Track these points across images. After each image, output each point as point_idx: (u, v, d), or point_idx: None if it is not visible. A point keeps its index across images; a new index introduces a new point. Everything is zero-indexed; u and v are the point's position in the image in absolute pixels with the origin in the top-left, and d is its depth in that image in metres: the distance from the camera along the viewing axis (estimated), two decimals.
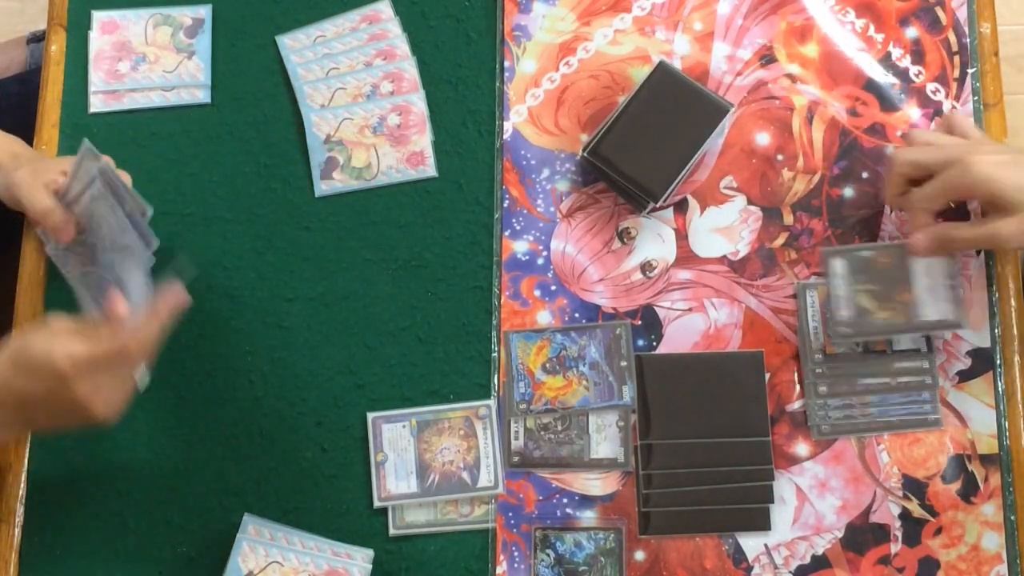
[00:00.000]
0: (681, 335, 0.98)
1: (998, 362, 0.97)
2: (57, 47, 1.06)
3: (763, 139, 1.02)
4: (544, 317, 0.99)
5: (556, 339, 0.98)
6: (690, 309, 0.99)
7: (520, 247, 1.01)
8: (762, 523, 0.95)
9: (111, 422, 0.85)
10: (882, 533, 0.94)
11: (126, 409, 0.86)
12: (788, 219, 1.01)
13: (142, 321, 0.85)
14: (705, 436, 0.96)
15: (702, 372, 0.97)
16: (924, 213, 0.92)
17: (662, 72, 1.00)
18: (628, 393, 0.97)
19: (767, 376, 0.97)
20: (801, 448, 0.96)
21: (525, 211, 1.02)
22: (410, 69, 1.05)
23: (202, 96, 1.04)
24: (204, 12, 1.07)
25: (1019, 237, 0.87)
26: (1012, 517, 0.95)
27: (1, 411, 0.84)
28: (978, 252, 0.99)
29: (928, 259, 0.95)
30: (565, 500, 0.96)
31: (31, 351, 0.82)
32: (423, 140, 1.03)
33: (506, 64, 1.05)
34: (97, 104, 1.04)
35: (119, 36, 1.06)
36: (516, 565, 0.95)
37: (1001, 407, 0.96)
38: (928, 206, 0.91)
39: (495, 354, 0.99)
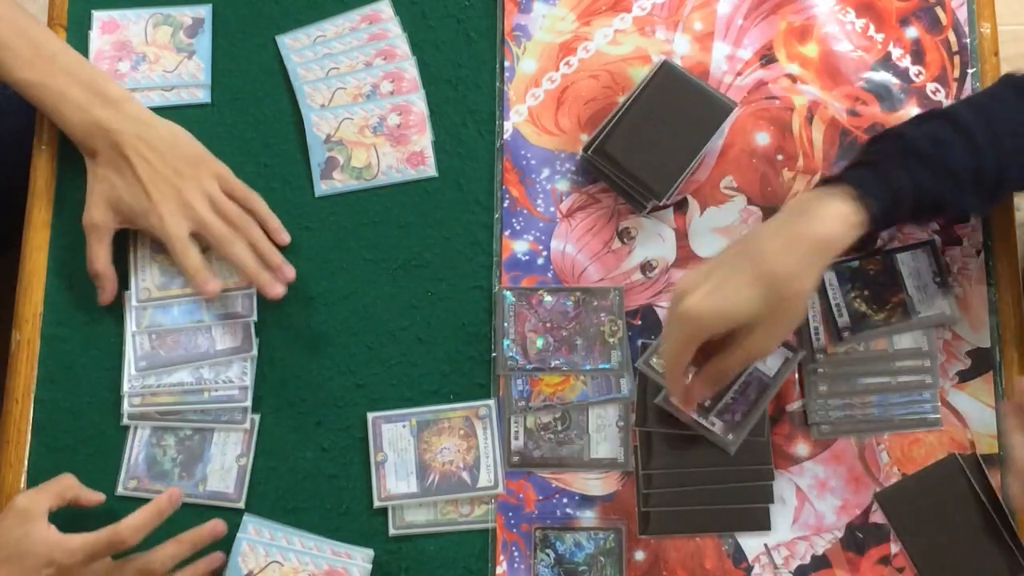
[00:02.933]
0: None
1: (998, 362, 0.97)
2: None
3: (763, 139, 1.02)
4: None
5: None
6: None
7: (520, 247, 1.01)
8: (762, 523, 0.95)
9: None
10: (882, 533, 0.94)
11: None
12: None
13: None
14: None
15: None
16: (678, 369, 0.87)
17: (666, 71, 1.00)
18: (626, 386, 0.97)
19: None
20: (801, 448, 0.96)
21: (525, 211, 1.02)
22: (410, 69, 1.05)
23: (202, 96, 1.04)
24: (204, 12, 1.06)
25: (769, 344, 0.85)
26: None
27: None
28: (978, 252, 0.99)
29: (913, 260, 0.97)
30: (565, 500, 0.96)
31: (26, 547, 0.86)
32: (423, 140, 1.03)
33: (506, 64, 1.05)
34: None
35: (119, 36, 1.06)
36: (516, 565, 0.95)
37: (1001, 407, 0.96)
38: (680, 361, 0.86)
39: (495, 354, 0.99)
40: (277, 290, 0.97)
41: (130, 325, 0.98)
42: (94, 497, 0.94)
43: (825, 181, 0.89)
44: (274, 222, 1.00)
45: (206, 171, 0.97)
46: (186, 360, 0.97)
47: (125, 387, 0.97)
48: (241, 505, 0.96)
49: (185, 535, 0.91)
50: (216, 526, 0.93)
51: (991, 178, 0.87)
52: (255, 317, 0.99)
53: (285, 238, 1.00)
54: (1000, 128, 0.87)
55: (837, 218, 0.84)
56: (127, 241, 1.00)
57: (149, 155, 0.95)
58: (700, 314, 0.83)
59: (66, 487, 0.92)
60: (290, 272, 0.98)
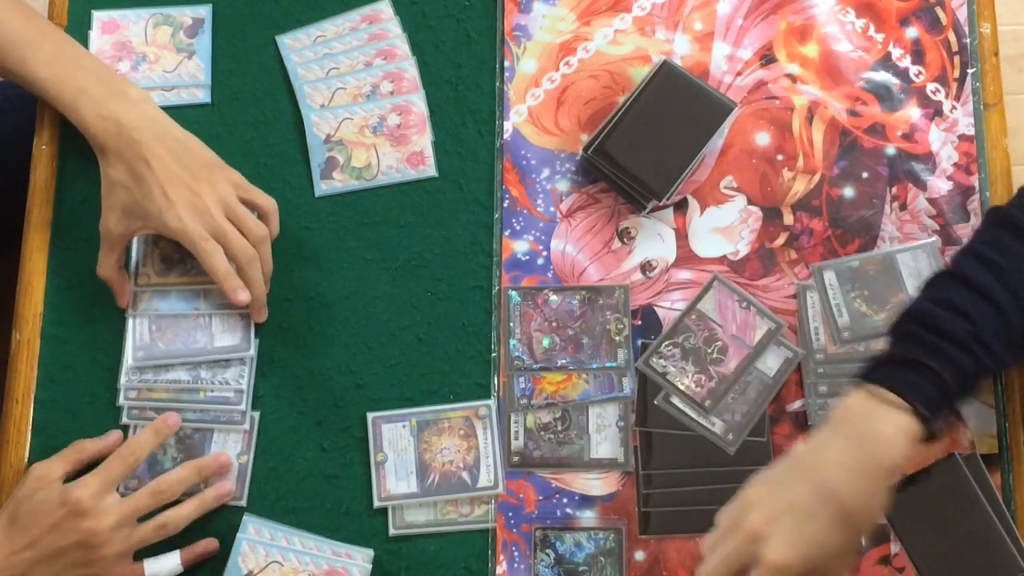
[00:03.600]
0: None
1: None
2: None
3: (763, 139, 1.02)
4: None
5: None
6: None
7: (520, 247, 1.01)
8: None
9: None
10: (882, 533, 0.94)
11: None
12: (788, 219, 1.01)
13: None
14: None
15: None
16: None
17: (666, 71, 1.00)
18: (628, 385, 0.97)
19: None
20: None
21: (525, 211, 1.02)
22: (410, 69, 1.05)
23: (202, 96, 1.04)
24: (204, 12, 1.06)
25: (843, 571, 0.84)
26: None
27: None
28: None
29: (914, 260, 0.97)
30: (565, 500, 0.96)
31: (42, 497, 0.89)
32: (423, 140, 1.03)
33: (506, 64, 1.05)
34: None
35: (119, 36, 1.06)
36: (516, 565, 0.95)
37: (1001, 407, 0.96)
38: None
39: (495, 354, 0.99)
40: (264, 315, 0.98)
41: (128, 308, 0.98)
42: (109, 442, 0.94)
43: (866, 375, 0.85)
44: (275, 230, 0.98)
45: (222, 176, 0.95)
46: (184, 355, 0.97)
47: (122, 380, 0.97)
48: (243, 503, 0.96)
49: (191, 462, 0.94)
50: (220, 457, 0.95)
51: (1019, 331, 0.85)
52: None
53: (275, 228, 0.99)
54: (1012, 278, 0.85)
55: (902, 438, 0.81)
56: None
57: (166, 156, 0.93)
58: (792, 565, 0.79)
59: (79, 450, 0.93)
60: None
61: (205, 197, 0.93)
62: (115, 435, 0.95)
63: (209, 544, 0.94)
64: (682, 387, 0.95)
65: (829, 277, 0.98)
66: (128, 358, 0.97)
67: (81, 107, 0.95)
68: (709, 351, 0.93)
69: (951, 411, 0.85)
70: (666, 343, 0.96)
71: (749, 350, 0.91)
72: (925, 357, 0.83)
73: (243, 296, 0.94)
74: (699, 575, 0.82)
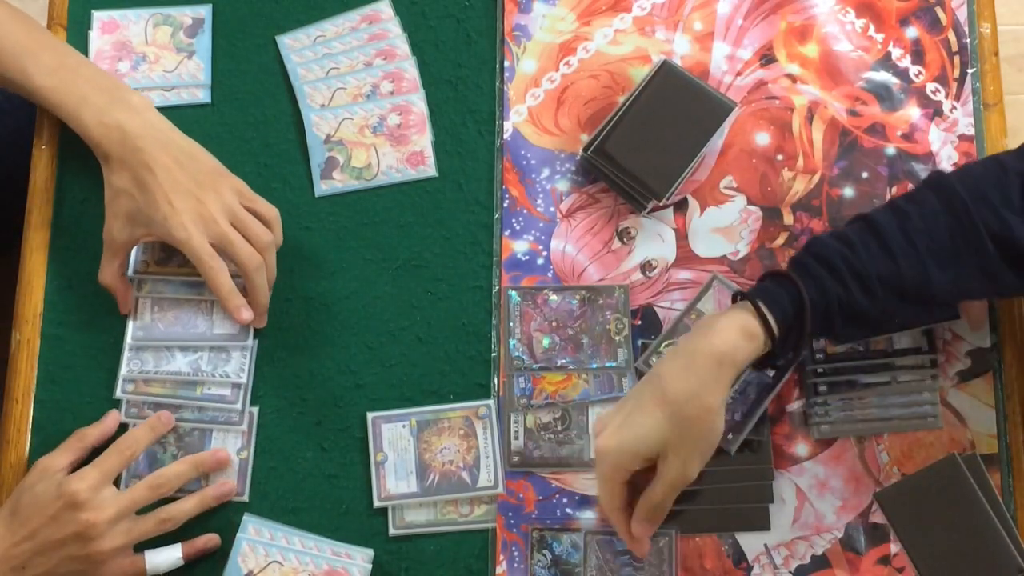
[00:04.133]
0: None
1: (998, 362, 0.97)
2: None
3: (763, 139, 1.02)
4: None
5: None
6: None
7: (520, 247, 1.01)
8: (762, 523, 0.95)
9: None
10: (882, 533, 0.94)
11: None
12: (788, 219, 1.01)
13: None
14: None
15: None
16: (613, 511, 0.88)
17: (666, 71, 1.00)
18: (628, 385, 0.97)
19: None
20: (801, 448, 0.96)
21: (525, 211, 1.02)
22: (410, 69, 1.05)
23: (202, 96, 1.04)
24: (204, 12, 1.07)
25: (687, 468, 0.84)
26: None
27: None
28: None
29: None
30: (565, 500, 0.96)
31: (42, 489, 0.90)
32: (423, 140, 1.03)
33: (506, 64, 1.05)
34: None
35: (119, 36, 1.06)
36: (516, 565, 0.95)
37: (1001, 407, 0.96)
38: (611, 502, 0.87)
39: (495, 354, 0.99)
40: (264, 322, 0.98)
41: (132, 290, 0.99)
42: (107, 425, 0.95)
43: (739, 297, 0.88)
44: (279, 238, 0.98)
45: (226, 185, 0.95)
46: (183, 339, 0.97)
47: (123, 370, 0.97)
48: (245, 499, 0.96)
49: (188, 457, 0.95)
50: (218, 453, 0.96)
51: (913, 284, 0.84)
52: None
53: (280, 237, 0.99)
54: (915, 229, 0.84)
55: (734, 330, 0.83)
56: None
57: (170, 164, 0.93)
58: (610, 449, 0.84)
59: (80, 438, 0.94)
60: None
61: (210, 205, 0.93)
62: (112, 416, 0.96)
63: (210, 540, 0.94)
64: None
65: None
66: (128, 336, 0.98)
67: (84, 115, 0.95)
68: None
69: (799, 330, 0.85)
70: (666, 343, 0.96)
71: (748, 403, 0.92)
72: (793, 273, 0.85)
73: (246, 315, 0.95)
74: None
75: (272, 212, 0.98)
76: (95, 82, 0.96)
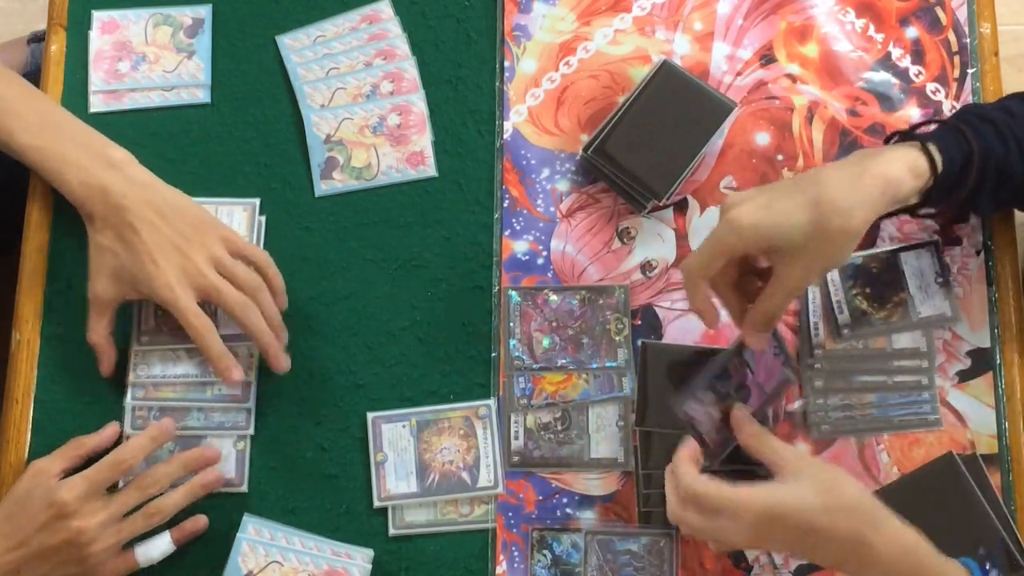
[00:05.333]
0: (681, 335, 0.98)
1: (998, 362, 0.97)
2: (57, 47, 1.06)
3: (763, 139, 1.02)
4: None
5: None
6: (690, 309, 0.99)
7: (520, 247, 1.01)
8: None
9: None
10: None
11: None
12: None
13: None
14: None
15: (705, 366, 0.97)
16: (701, 281, 0.86)
17: (666, 71, 1.00)
18: (628, 385, 0.97)
19: None
20: (801, 448, 0.96)
21: (525, 211, 1.02)
22: (410, 69, 1.05)
23: (202, 96, 1.04)
24: (204, 12, 1.07)
25: (807, 277, 0.83)
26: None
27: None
28: (978, 252, 0.99)
29: (917, 259, 0.97)
30: (565, 500, 0.96)
31: (31, 496, 0.90)
32: (423, 140, 1.03)
33: (506, 64, 1.05)
34: (97, 104, 1.04)
35: (119, 36, 1.06)
36: (516, 565, 0.95)
37: (1001, 407, 0.96)
38: (707, 266, 0.85)
39: (495, 354, 0.99)
40: (285, 363, 0.96)
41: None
42: (106, 435, 0.95)
43: (896, 138, 0.90)
44: (278, 282, 0.97)
45: (212, 235, 0.95)
46: (189, 342, 0.96)
47: (131, 377, 0.97)
48: (244, 489, 0.96)
49: (177, 456, 0.94)
50: (207, 451, 0.95)
51: None
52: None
53: (284, 301, 0.98)
54: None
55: (904, 162, 0.84)
56: None
57: (155, 219, 0.93)
58: (745, 224, 0.81)
59: (77, 446, 0.93)
60: (285, 335, 0.97)
61: (195, 258, 0.93)
62: (112, 428, 0.96)
63: (198, 521, 0.94)
64: (704, 435, 0.91)
65: (831, 274, 0.98)
66: (134, 343, 0.98)
67: (66, 176, 0.94)
68: (736, 397, 0.91)
69: (962, 182, 0.86)
70: (705, 388, 0.92)
71: (764, 397, 0.90)
72: (956, 123, 0.87)
73: (236, 375, 0.94)
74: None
75: (263, 257, 0.97)
76: (78, 140, 0.96)
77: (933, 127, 0.90)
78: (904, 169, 0.84)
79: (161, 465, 0.93)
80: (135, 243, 0.92)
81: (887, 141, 0.92)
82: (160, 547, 0.93)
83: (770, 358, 0.90)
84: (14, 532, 0.88)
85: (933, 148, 0.85)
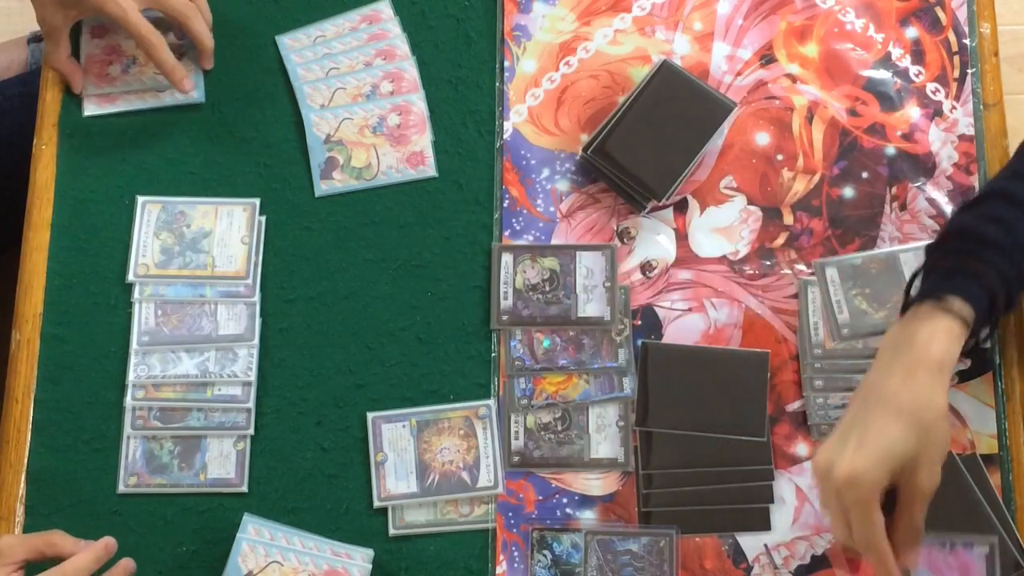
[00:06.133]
0: (681, 335, 0.98)
1: (998, 362, 0.97)
2: None
3: (763, 139, 1.02)
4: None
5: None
6: (690, 309, 0.99)
7: None
8: (762, 523, 0.95)
9: None
10: None
11: None
12: (788, 219, 1.01)
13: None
14: (703, 430, 0.96)
15: (706, 366, 0.97)
16: (884, 543, 0.81)
17: (666, 71, 1.00)
18: (629, 385, 0.97)
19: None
20: (801, 448, 0.96)
21: (525, 211, 1.02)
22: (410, 69, 1.05)
23: (196, 96, 1.04)
24: None
25: (935, 474, 0.82)
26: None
27: None
28: None
29: (917, 260, 0.97)
30: (565, 500, 0.96)
31: None
32: (423, 140, 1.03)
33: (506, 64, 1.05)
34: (91, 107, 1.04)
35: (109, 40, 1.06)
36: (516, 565, 0.95)
37: (1001, 407, 0.96)
38: (879, 533, 0.81)
39: (495, 354, 0.99)
40: (208, 64, 1.04)
41: (134, 294, 0.99)
42: (95, 551, 0.88)
43: (908, 303, 0.87)
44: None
45: None
46: (189, 341, 0.97)
47: (131, 377, 0.97)
48: (244, 489, 0.96)
49: (88, 549, 0.88)
50: (110, 543, 0.89)
51: None
52: (258, 298, 0.99)
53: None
54: None
55: (942, 336, 0.82)
56: (131, 217, 1.00)
57: None
58: (860, 472, 0.79)
59: (49, 544, 0.88)
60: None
61: None
62: (103, 544, 0.89)
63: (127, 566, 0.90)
64: None
65: (831, 273, 0.98)
66: (134, 342, 0.98)
67: None
68: None
69: (993, 317, 0.85)
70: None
71: None
72: (962, 262, 0.85)
73: (189, 85, 1.01)
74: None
75: None
76: None
77: (936, 276, 0.86)
78: (945, 341, 0.82)
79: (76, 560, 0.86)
80: None
81: (908, 287, 0.88)
82: None
83: (946, 555, 0.89)
84: None
85: (961, 305, 0.83)
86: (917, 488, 0.81)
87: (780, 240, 1.00)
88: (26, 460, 0.97)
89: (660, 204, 1.01)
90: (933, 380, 0.82)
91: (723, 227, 1.01)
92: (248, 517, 0.95)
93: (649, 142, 0.98)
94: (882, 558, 0.81)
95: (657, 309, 0.99)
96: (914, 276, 0.88)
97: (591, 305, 0.98)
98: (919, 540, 0.84)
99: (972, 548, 0.89)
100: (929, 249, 0.89)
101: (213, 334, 0.98)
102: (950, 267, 0.85)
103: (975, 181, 1.01)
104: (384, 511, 0.96)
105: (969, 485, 0.92)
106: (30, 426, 0.98)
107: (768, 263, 1.00)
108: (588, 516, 0.96)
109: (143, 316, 0.98)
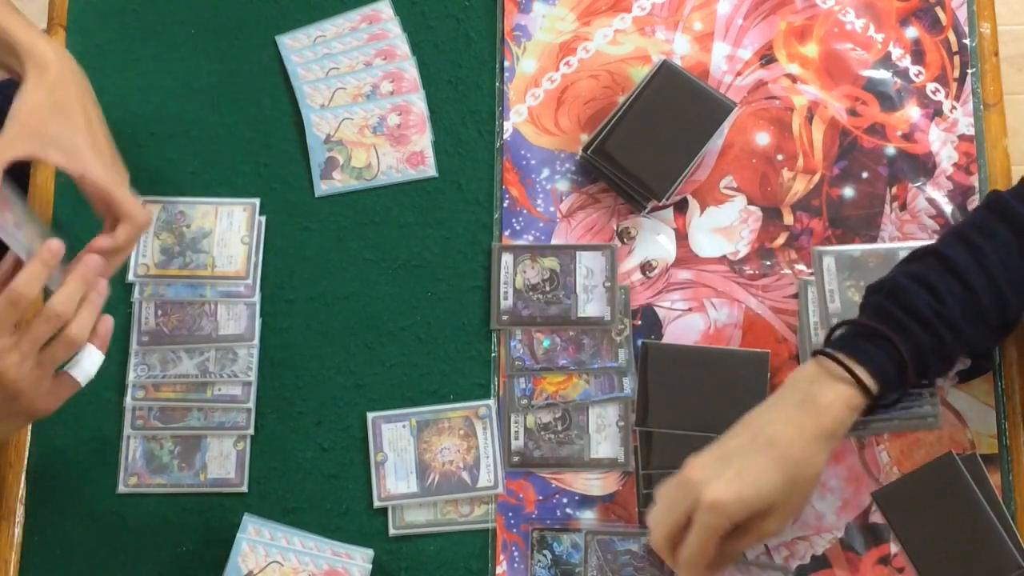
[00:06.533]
0: (681, 335, 0.98)
1: (998, 362, 0.97)
2: None
3: (763, 139, 1.02)
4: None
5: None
6: (690, 309, 0.99)
7: None
8: None
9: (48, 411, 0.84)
10: (882, 533, 0.94)
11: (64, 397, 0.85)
12: (788, 219, 1.01)
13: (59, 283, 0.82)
14: (703, 430, 0.96)
15: (706, 366, 0.97)
16: (702, 565, 0.83)
17: (666, 71, 1.00)
18: (629, 385, 0.97)
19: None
20: None
21: (525, 211, 1.02)
22: (410, 69, 1.05)
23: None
24: None
25: (782, 526, 0.84)
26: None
27: None
28: None
29: None
30: (565, 500, 0.96)
31: None
32: (423, 140, 1.03)
33: (506, 64, 1.05)
34: None
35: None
36: (516, 565, 0.95)
37: (1001, 407, 0.96)
38: (706, 555, 0.82)
39: (495, 354, 0.99)
40: None
41: (134, 294, 0.99)
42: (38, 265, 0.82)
43: (825, 346, 0.86)
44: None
45: None
46: (189, 341, 0.97)
47: (131, 377, 0.97)
48: (244, 489, 0.96)
49: (70, 274, 0.83)
50: (91, 257, 0.85)
51: (995, 316, 0.86)
52: (258, 298, 0.99)
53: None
54: (992, 264, 0.85)
55: (840, 407, 0.83)
56: None
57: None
58: (730, 501, 0.81)
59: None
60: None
61: None
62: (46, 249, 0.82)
63: (106, 322, 0.86)
64: None
65: (828, 262, 0.97)
66: (134, 342, 0.98)
67: None
68: None
69: (899, 385, 0.86)
70: None
71: None
72: (887, 330, 0.84)
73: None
74: (649, 525, 0.85)
75: None
76: None
77: (853, 336, 0.86)
78: (843, 411, 0.84)
79: (61, 290, 0.83)
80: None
81: (824, 345, 0.87)
82: (93, 360, 0.86)
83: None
84: None
85: (864, 375, 0.83)
86: (762, 531, 0.84)
87: (780, 240, 1.00)
88: (26, 460, 0.97)
89: (660, 204, 1.01)
90: (822, 446, 0.84)
91: (723, 227, 1.01)
92: (248, 517, 0.95)
93: (649, 142, 0.98)
94: (688, 573, 0.84)
95: (657, 309, 0.99)
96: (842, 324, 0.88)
97: (591, 305, 0.98)
98: (729, 565, 0.88)
99: (765, 573, 0.92)
100: (867, 290, 0.89)
101: (213, 334, 0.98)
102: (869, 330, 0.85)
103: (975, 181, 1.01)
104: (384, 511, 0.96)
105: (969, 485, 0.92)
106: (30, 426, 0.98)
107: (768, 263, 1.00)
108: (588, 516, 0.96)
109: (143, 316, 0.99)
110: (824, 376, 0.85)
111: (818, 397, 0.84)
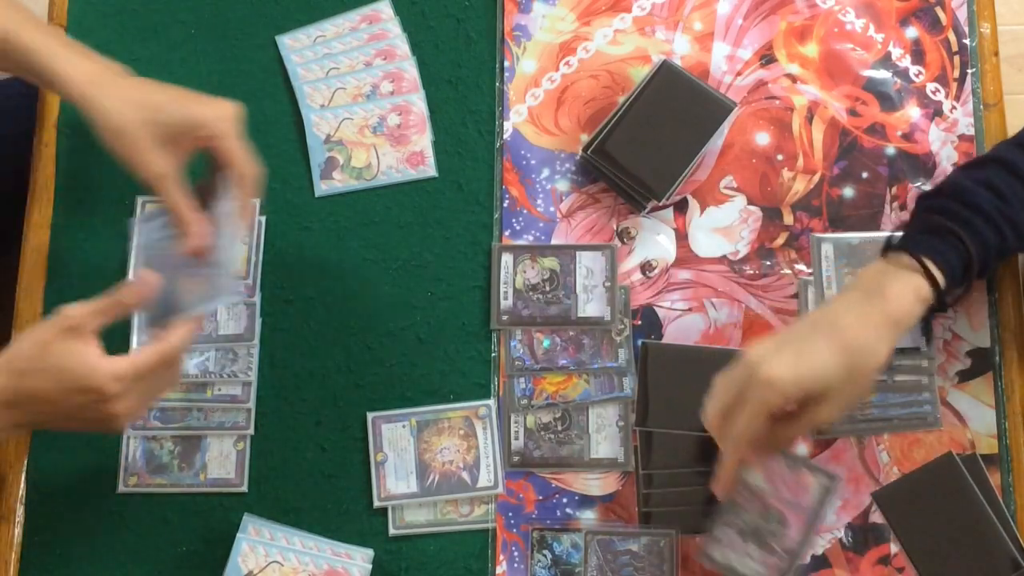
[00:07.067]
0: (681, 335, 0.98)
1: (998, 362, 0.97)
2: None
3: (763, 139, 1.02)
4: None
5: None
6: (690, 309, 0.99)
7: None
8: None
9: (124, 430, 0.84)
10: (882, 533, 0.94)
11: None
12: (788, 219, 1.01)
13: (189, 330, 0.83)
14: (703, 430, 0.95)
15: (706, 366, 0.97)
16: (747, 439, 0.83)
17: (666, 71, 1.00)
18: (629, 385, 0.97)
19: None
20: (801, 448, 0.96)
21: (525, 211, 1.02)
22: (410, 69, 1.05)
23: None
24: None
25: (835, 415, 0.84)
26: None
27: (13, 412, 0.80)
28: None
29: None
30: (565, 500, 0.96)
31: (69, 367, 0.78)
32: (423, 140, 1.03)
33: (506, 64, 1.05)
34: None
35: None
36: (516, 565, 0.95)
37: (1001, 407, 0.96)
38: (754, 430, 0.82)
39: (495, 354, 0.99)
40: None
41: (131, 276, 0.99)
42: (140, 291, 0.84)
43: (889, 247, 0.88)
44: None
45: None
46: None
47: None
48: (244, 489, 0.96)
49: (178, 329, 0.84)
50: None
51: None
52: (259, 298, 0.99)
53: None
54: None
55: (909, 296, 0.84)
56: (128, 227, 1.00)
57: None
58: (786, 380, 0.81)
59: (115, 304, 0.82)
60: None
61: None
62: (149, 284, 0.84)
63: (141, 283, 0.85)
64: (750, 574, 0.89)
65: (826, 249, 0.97)
66: (134, 342, 0.98)
67: None
68: (768, 525, 0.89)
69: (965, 283, 0.87)
70: (720, 525, 0.90)
71: (808, 514, 0.89)
72: (955, 226, 0.86)
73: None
74: (705, 404, 0.85)
75: None
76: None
77: (921, 232, 0.87)
78: (911, 301, 0.84)
79: (179, 338, 0.83)
80: None
81: (886, 248, 0.89)
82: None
83: (786, 472, 0.89)
84: (35, 400, 0.80)
85: (932, 267, 0.85)
86: (815, 417, 0.84)
87: (780, 240, 1.00)
88: (26, 460, 0.97)
89: (660, 204, 1.01)
90: (886, 332, 0.83)
91: (723, 227, 1.01)
92: (248, 517, 0.95)
93: (649, 142, 0.98)
94: (734, 454, 0.85)
95: (657, 309, 0.99)
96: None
97: (591, 305, 0.98)
98: (777, 451, 0.87)
99: (814, 474, 0.89)
100: (921, 197, 0.91)
101: (213, 334, 0.98)
102: (936, 225, 0.87)
103: None
104: (384, 511, 0.96)
105: (969, 485, 0.92)
106: None
107: (768, 263, 1.00)
108: (588, 516, 0.96)
109: (143, 316, 0.98)
110: (892, 268, 0.86)
111: (886, 288, 0.84)
